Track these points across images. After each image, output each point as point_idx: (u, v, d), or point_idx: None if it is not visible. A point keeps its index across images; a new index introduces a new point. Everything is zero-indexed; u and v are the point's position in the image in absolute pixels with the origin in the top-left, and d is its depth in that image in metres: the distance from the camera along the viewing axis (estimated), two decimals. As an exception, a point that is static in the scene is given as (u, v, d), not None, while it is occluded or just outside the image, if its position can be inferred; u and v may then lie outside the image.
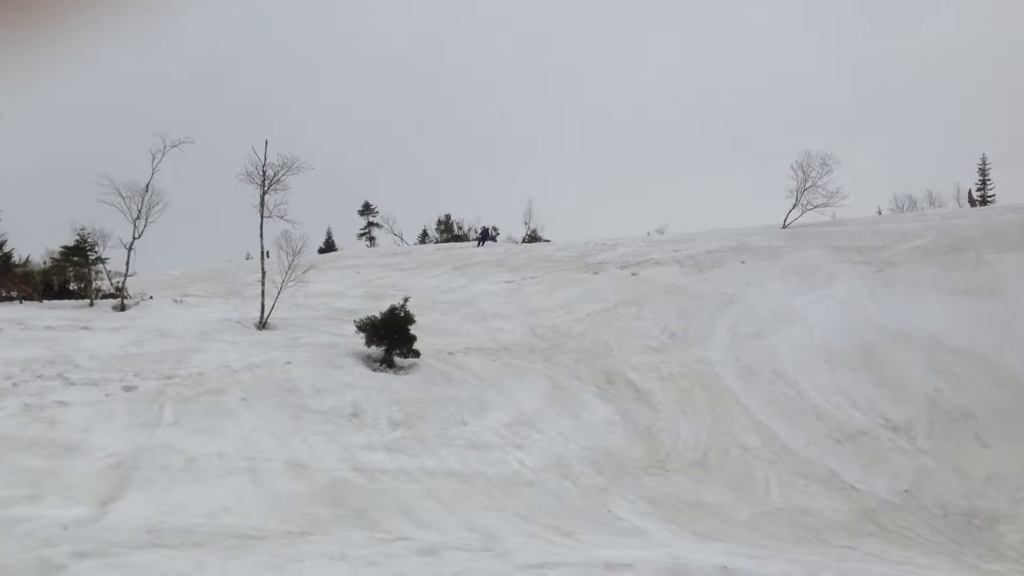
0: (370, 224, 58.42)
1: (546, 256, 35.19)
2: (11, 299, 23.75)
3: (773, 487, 15.49)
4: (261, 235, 23.60)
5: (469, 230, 54.11)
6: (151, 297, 24.32)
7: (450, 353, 20.62)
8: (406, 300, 20.09)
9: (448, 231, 57.70)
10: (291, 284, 22.80)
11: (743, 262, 30.36)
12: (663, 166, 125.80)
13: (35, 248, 49.16)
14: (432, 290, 28.76)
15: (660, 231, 49.22)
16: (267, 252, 24.99)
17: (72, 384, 15.71)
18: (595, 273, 30.34)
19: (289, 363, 18.38)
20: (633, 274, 29.96)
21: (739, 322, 24.08)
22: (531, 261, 33.87)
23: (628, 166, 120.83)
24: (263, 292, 22.26)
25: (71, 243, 24.50)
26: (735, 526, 13.60)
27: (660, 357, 21.69)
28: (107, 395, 15.36)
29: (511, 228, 60.85)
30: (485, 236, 45.25)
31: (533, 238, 52.97)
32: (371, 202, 58.69)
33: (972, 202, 51.32)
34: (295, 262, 22.97)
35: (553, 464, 15.17)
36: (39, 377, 15.89)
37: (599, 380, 20.00)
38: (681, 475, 15.69)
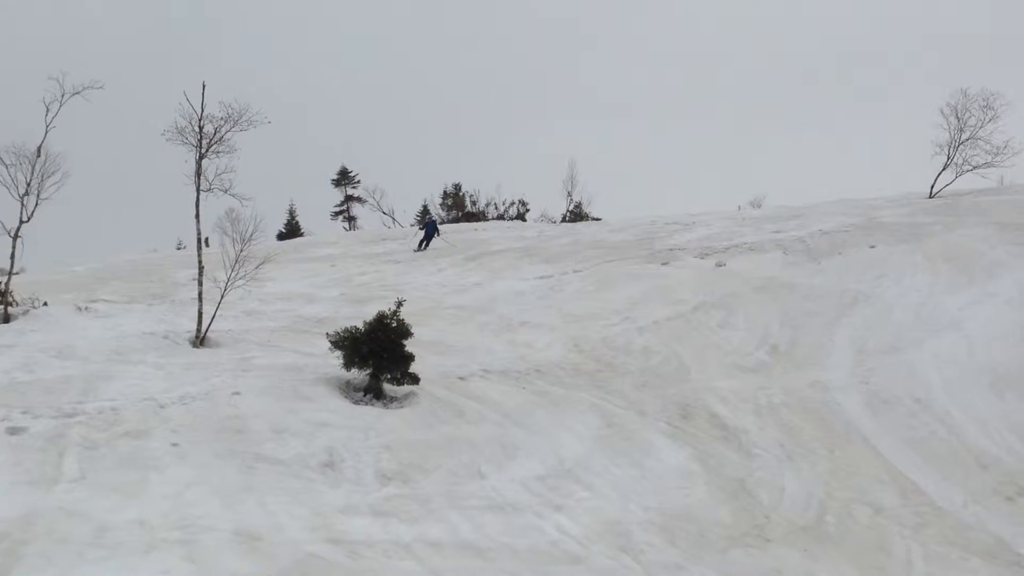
0: (349, 199, 58.75)
1: (595, 240, 35.11)
2: None
3: (918, 562, 15.32)
4: (197, 215, 23.58)
5: (485, 205, 54.05)
6: (45, 303, 24.51)
7: (461, 378, 20.62)
8: (400, 304, 20.08)
9: (458, 207, 57.81)
10: (240, 283, 22.91)
11: (873, 246, 30.15)
12: (757, 116, 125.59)
13: None
14: (436, 290, 28.78)
15: (755, 204, 49.28)
16: (206, 239, 25.10)
17: (-64, 426, 15.84)
18: (664, 264, 30.24)
19: (237, 394, 18.45)
20: (718, 264, 29.86)
21: (868, 331, 23.89)
22: (574, 248, 33.80)
23: (710, 116, 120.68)
24: (200, 295, 22.32)
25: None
26: (864, 619, 13.49)
27: (757, 381, 21.58)
28: (-14, 440, 15.47)
29: (546, 203, 60.87)
30: (431, 230, 41.22)
31: (577, 215, 53.15)
32: (350, 168, 58.91)
33: None
34: (245, 252, 22.98)
35: (607, 532, 15.11)
36: None
37: (671, 414, 19.91)
38: (787, 546, 15.57)
